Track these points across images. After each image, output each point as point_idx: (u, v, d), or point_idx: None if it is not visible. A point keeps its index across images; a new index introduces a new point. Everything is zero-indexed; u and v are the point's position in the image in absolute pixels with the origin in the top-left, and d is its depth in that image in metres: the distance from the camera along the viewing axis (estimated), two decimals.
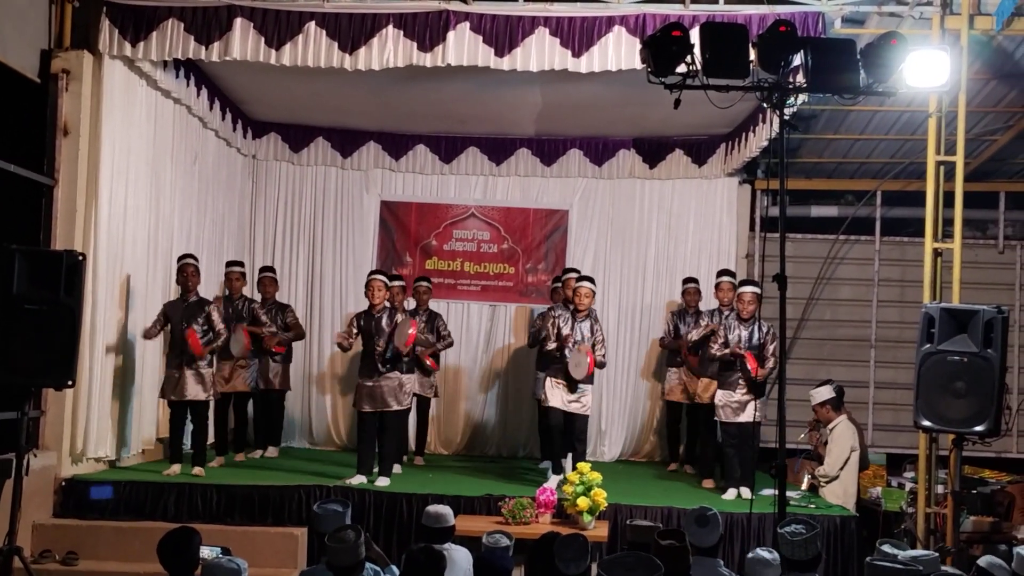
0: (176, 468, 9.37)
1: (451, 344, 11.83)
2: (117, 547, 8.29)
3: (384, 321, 9.38)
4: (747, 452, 9.48)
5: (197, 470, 9.33)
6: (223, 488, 8.81)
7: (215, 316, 9.59)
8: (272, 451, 11.17)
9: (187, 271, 9.60)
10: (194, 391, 9.45)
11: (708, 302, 11.27)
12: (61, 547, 8.18)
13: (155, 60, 9.25)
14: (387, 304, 9.55)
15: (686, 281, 11.69)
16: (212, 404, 9.96)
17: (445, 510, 6.71)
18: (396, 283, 10.81)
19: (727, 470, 9.67)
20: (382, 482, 9.17)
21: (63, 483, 8.73)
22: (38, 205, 8.78)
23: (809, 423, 10.24)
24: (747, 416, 9.44)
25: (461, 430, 12.75)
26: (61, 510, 8.67)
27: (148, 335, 9.56)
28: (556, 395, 9.67)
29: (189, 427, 9.83)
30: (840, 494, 9.43)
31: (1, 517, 7.54)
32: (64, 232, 8.86)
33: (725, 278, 10.69)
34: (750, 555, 5.60)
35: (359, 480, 9.17)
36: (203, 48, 8.95)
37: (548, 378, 9.79)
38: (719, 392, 9.72)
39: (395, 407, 9.44)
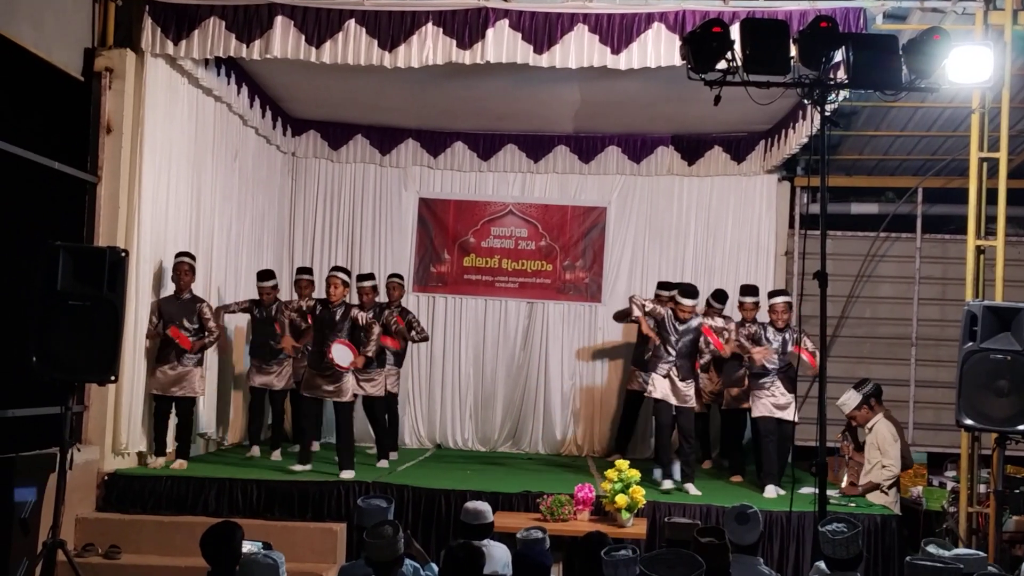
0: (160, 461, 9.46)
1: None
2: (159, 541, 8.37)
3: (338, 316, 9.40)
4: (783, 450, 9.44)
5: (179, 463, 9.41)
6: (263, 483, 8.87)
7: (207, 314, 9.63)
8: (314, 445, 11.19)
9: (181, 268, 9.54)
10: (180, 387, 9.51)
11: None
12: (104, 541, 8.27)
13: (197, 58, 9.32)
14: (345, 300, 9.56)
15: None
16: (200, 401, 10.01)
17: (484, 507, 6.74)
18: (367, 283, 10.51)
19: (765, 467, 9.62)
20: (347, 475, 9.16)
21: (106, 477, 8.82)
22: (81, 202, 8.87)
23: (842, 430, 10.08)
24: (787, 414, 9.40)
25: (499, 427, 12.77)
26: (104, 504, 8.76)
27: (149, 335, 9.48)
28: (663, 385, 9.61)
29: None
30: (893, 494, 9.35)
31: (45, 511, 7.65)
32: (107, 229, 8.93)
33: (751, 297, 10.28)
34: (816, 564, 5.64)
35: (301, 469, 9.30)
36: (244, 46, 9.00)
37: (652, 372, 9.73)
38: (755, 390, 9.69)
39: (342, 399, 9.51)
